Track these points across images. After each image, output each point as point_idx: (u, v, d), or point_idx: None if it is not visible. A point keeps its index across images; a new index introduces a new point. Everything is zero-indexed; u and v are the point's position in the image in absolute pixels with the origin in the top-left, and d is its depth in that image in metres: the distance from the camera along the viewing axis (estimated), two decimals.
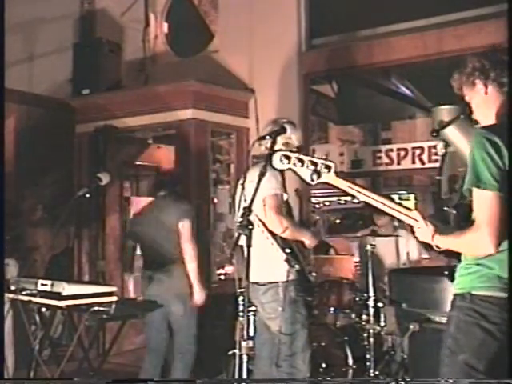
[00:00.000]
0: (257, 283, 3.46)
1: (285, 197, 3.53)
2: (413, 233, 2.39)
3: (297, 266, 3.41)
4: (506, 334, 2.14)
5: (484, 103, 2.39)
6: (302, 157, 2.25)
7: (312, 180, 2.26)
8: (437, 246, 2.30)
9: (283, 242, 3.46)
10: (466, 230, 2.21)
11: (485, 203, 2.15)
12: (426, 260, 5.15)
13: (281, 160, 2.25)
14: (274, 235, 3.45)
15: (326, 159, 2.27)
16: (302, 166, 2.25)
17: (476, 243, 2.18)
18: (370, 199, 2.29)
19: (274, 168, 2.31)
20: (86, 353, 4.40)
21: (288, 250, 3.43)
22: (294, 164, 2.25)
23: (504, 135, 2.18)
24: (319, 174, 2.25)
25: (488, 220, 2.13)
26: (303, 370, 3.52)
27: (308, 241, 3.60)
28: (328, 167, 2.26)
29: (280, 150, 2.37)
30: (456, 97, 2.55)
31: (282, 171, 3.47)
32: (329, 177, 2.27)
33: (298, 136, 3.66)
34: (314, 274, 3.64)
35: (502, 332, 2.16)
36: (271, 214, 3.44)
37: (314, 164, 2.25)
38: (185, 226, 4.24)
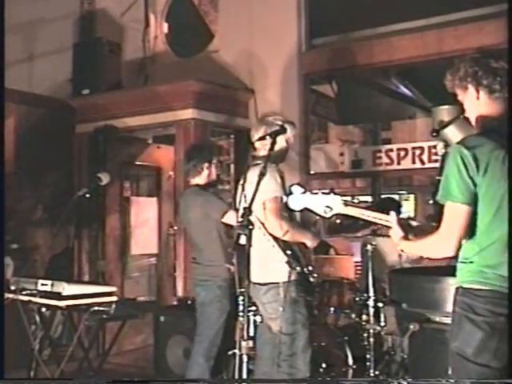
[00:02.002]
0: (258, 283, 3.47)
1: (285, 199, 3.52)
2: (388, 235, 2.61)
3: (298, 268, 3.41)
4: (491, 324, 2.28)
5: (475, 108, 2.47)
6: (312, 196, 2.55)
7: (325, 213, 2.55)
8: (402, 250, 2.60)
9: (284, 244, 3.46)
10: (430, 235, 2.40)
11: (452, 214, 2.34)
12: (427, 260, 5.14)
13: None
14: (275, 237, 3.45)
15: (334, 193, 2.55)
16: (315, 203, 2.54)
17: (437, 247, 2.40)
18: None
19: (289, 209, 2.65)
20: (86, 353, 4.41)
21: (289, 252, 3.43)
22: (307, 203, 2.54)
23: (486, 143, 2.31)
24: (331, 208, 2.54)
25: (452, 230, 2.32)
26: (303, 370, 3.52)
27: (309, 242, 3.60)
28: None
29: (292, 193, 2.61)
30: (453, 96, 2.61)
31: (281, 176, 3.51)
32: (339, 208, 2.55)
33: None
34: (315, 275, 3.63)
35: (486, 323, 2.29)
36: (271, 218, 3.43)
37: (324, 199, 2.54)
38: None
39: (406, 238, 2.50)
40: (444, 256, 2.41)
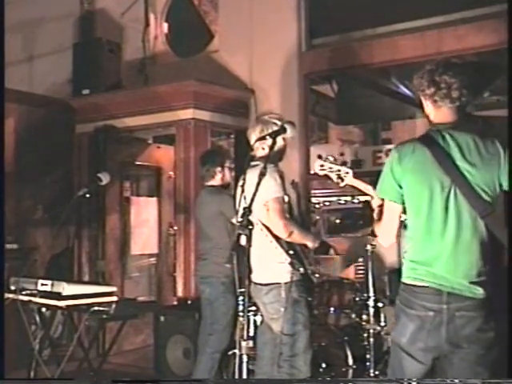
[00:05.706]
0: (259, 284, 3.46)
1: (285, 199, 3.51)
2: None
3: (301, 269, 3.41)
4: (421, 318, 2.41)
5: (427, 114, 2.61)
6: (331, 165, 2.93)
7: (338, 184, 2.92)
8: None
9: (287, 245, 3.45)
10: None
11: (387, 210, 2.59)
12: None
13: (320, 169, 2.95)
14: (277, 239, 3.44)
15: (347, 166, 2.92)
16: (332, 172, 2.92)
17: (381, 237, 2.66)
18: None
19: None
20: (86, 353, 4.41)
21: (292, 252, 3.42)
22: (326, 170, 2.92)
23: (415, 146, 2.46)
24: (342, 179, 2.92)
25: (390, 224, 2.59)
26: (304, 371, 3.51)
27: (310, 243, 3.60)
28: (347, 173, 2.92)
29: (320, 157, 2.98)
30: None
31: (281, 176, 3.51)
32: (349, 180, 2.93)
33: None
34: (317, 275, 3.63)
35: (417, 316, 2.42)
36: (276, 219, 3.41)
37: (339, 170, 2.91)
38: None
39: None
40: (388, 244, 2.62)
